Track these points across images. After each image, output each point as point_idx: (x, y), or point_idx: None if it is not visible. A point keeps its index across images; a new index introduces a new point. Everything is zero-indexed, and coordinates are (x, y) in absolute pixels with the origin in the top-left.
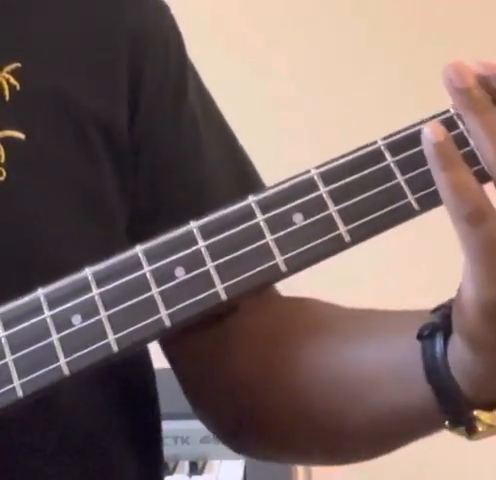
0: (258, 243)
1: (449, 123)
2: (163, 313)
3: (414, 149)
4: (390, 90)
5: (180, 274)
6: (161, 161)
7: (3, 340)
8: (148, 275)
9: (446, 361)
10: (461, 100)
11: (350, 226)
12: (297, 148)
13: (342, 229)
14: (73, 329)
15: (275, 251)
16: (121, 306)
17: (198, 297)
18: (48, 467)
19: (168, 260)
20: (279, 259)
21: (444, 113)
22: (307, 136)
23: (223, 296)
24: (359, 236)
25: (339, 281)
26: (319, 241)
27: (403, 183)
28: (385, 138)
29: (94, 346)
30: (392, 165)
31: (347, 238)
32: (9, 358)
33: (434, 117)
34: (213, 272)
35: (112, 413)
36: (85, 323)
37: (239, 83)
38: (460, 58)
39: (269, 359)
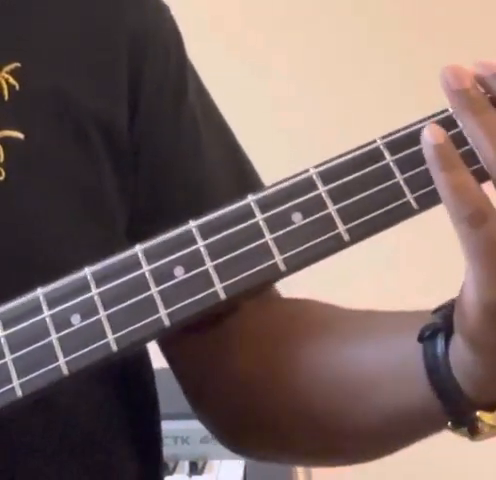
0: (257, 242)
1: (448, 122)
2: (162, 312)
3: (413, 148)
4: (390, 90)
5: (179, 273)
6: (161, 161)
7: (2, 340)
8: (147, 274)
9: (447, 362)
10: (459, 102)
11: (349, 225)
12: (297, 148)
13: (341, 228)
14: (72, 329)
15: (274, 250)
16: (120, 306)
17: (197, 296)
18: (48, 467)
19: (167, 259)
20: (278, 258)
21: (443, 112)
22: (307, 136)
23: (222, 295)
24: (358, 235)
25: (338, 281)
26: (318, 240)
27: (402, 182)
28: (384, 137)
29: (93, 346)
30: (391, 164)
31: (346, 237)
32: (8, 358)
33: (433, 116)
34: (212, 271)
35: (112, 413)
36: (84, 323)
37: (239, 83)
38: (460, 58)
39: (269, 359)
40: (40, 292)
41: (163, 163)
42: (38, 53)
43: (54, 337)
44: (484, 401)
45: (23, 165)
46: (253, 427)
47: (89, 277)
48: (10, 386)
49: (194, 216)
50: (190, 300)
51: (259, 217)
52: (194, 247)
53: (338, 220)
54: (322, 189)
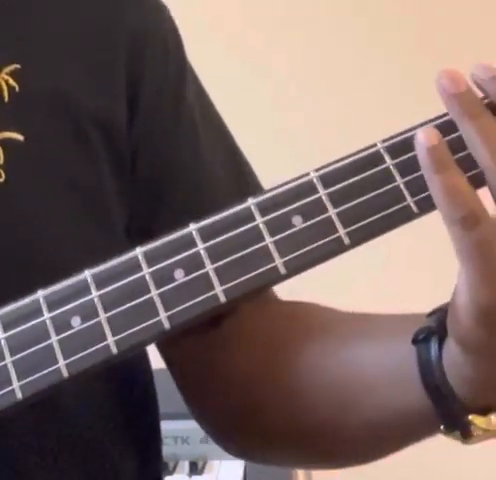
0: (257, 245)
1: (447, 126)
2: (162, 315)
3: (413, 152)
4: (390, 90)
5: (179, 276)
6: (160, 161)
7: (2, 342)
8: (147, 277)
9: (441, 365)
10: (454, 106)
11: (349, 229)
12: (297, 148)
13: (341, 232)
14: (72, 331)
15: (274, 253)
16: (120, 308)
17: (197, 299)
18: (48, 467)
19: (167, 262)
20: (278, 261)
21: (442, 116)
22: (307, 136)
23: (222, 298)
24: (358, 239)
25: (338, 284)
26: (318, 243)
27: (402, 186)
28: (385, 141)
29: (93, 348)
30: (391, 168)
31: (346, 241)
32: (8, 360)
33: (434, 119)
34: (212, 274)
35: (111, 413)
36: (84, 325)
37: (239, 83)
38: (460, 58)
39: (267, 360)
40: (40, 294)
41: (162, 163)
42: (38, 54)
43: (54, 339)
44: (477, 405)
45: (23, 166)
46: (250, 429)
47: (89, 279)
48: (10, 388)
49: (193, 217)
50: (190, 303)
51: (259, 220)
52: (194, 250)
53: (338, 223)
54: (322, 192)
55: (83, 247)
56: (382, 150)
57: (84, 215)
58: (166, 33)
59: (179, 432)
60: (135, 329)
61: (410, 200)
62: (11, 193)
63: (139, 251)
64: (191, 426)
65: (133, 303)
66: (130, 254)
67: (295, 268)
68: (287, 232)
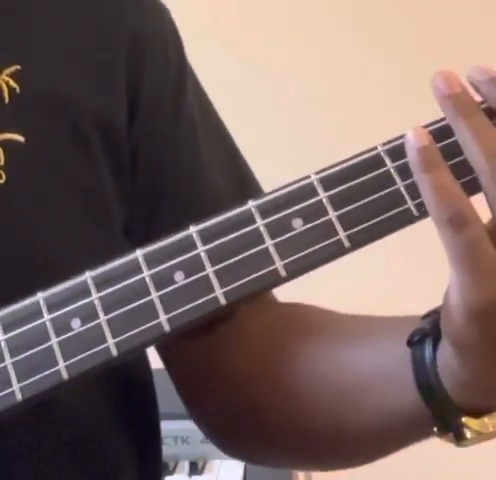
0: (258, 248)
1: (445, 131)
2: (162, 318)
3: None
4: (390, 90)
5: (179, 278)
6: (159, 163)
7: (3, 343)
8: (147, 279)
9: (435, 367)
10: (449, 106)
11: (349, 231)
12: (297, 148)
13: (342, 234)
14: (72, 333)
15: (275, 256)
16: (120, 310)
17: (197, 302)
18: (47, 467)
19: (168, 264)
20: (279, 264)
21: (440, 121)
22: (307, 136)
23: (222, 301)
24: (358, 242)
25: (336, 285)
26: (319, 246)
27: (403, 189)
28: (385, 144)
29: (93, 350)
30: (392, 171)
31: (347, 243)
32: (8, 361)
33: (436, 122)
34: (212, 277)
35: (111, 413)
36: (84, 327)
37: (239, 83)
38: (460, 58)
39: (265, 361)
40: (40, 296)
41: (161, 164)
42: (38, 55)
43: (54, 341)
44: (470, 407)
45: (23, 167)
46: (248, 430)
47: (89, 281)
48: (10, 390)
49: (192, 217)
50: (190, 305)
51: (260, 223)
52: (194, 252)
53: (338, 226)
54: (323, 195)
55: (83, 247)
56: (382, 153)
57: (84, 215)
58: (166, 35)
59: (179, 432)
60: (135, 331)
61: (410, 203)
62: (11, 194)
63: (139, 253)
64: (191, 426)
65: (133, 305)
66: (130, 256)
67: (295, 271)
68: (287, 235)
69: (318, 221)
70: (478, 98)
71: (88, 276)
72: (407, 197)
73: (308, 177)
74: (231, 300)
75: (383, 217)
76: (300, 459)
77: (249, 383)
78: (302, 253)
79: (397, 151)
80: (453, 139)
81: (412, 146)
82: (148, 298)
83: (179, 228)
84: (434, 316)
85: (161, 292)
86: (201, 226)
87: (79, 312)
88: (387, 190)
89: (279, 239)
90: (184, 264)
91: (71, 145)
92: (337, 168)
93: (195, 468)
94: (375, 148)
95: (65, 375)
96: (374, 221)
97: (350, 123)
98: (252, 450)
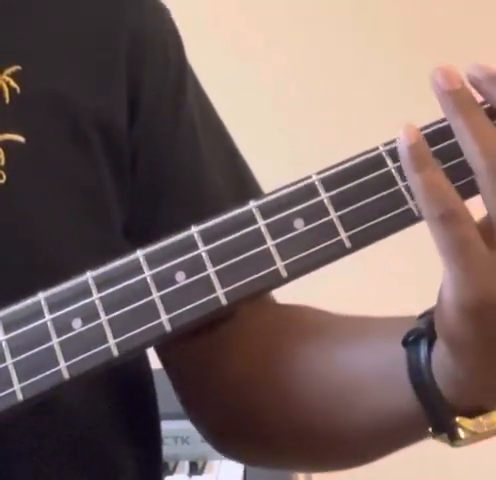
0: (259, 248)
1: (445, 132)
2: (163, 318)
3: None
4: (390, 90)
5: (181, 279)
6: (159, 163)
7: (4, 343)
8: (149, 279)
9: (430, 367)
10: (448, 102)
11: (351, 232)
12: (297, 148)
13: (343, 235)
14: (73, 333)
15: (276, 256)
16: (122, 310)
17: (198, 302)
18: (48, 467)
19: (169, 265)
20: (280, 264)
21: (440, 122)
22: (307, 136)
23: (223, 301)
24: (360, 242)
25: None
26: (320, 247)
27: (404, 189)
28: (386, 144)
29: (94, 350)
30: (393, 171)
31: (348, 244)
32: (9, 361)
33: (436, 123)
34: (214, 277)
35: (111, 413)
36: (85, 327)
37: (239, 83)
38: (460, 58)
39: (263, 362)
40: (41, 296)
41: (161, 165)
42: (38, 55)
43: (55, 341)
44: (465, 407)
45: (24, 168)
46: (246, 430)
47: (90, 281)
48: (11, 390)
49: (192, 218)
50: (191, 305)
51: (261, 223)
52: (196, 252)
53: (340, 227)
54: (324, 196)
55: (83, 247)
56: (384, 153)
57: (84, 215)
58: (166, 35)
59: (179, 432)
60: (136, 331)
61: (412, 203)
62: (12, 194)
63: (140, 253)
64: (191, 426)
65: (134, 305)
66: (131, 256)
67: (296, 271)
68: (288, 235)
69: (319, 221)
70: (479, 98)
71: (89, 276)
72: (408, 197)
73: (309, 177)
74: (232, 300)
75: (384, 217)
76: (298, 460)
77: (247, 384)
78: (303, 253)
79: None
80: (453, 140)
81: (403, 144)
82: (149, 298)
83: (179, 228)
84: (430, 316)
85: (162, 292)
86: (202, 226)
87: (80, 312)
88: (388, 190)
89: (280, 239)
90: (185, 264)
91: (71, 145)
92: (338, 168)
93: (195, 468)
94: (376, 148)
95: (66, 375)
96: (375, 221)
97: (350, 123)
98: (249, 451)
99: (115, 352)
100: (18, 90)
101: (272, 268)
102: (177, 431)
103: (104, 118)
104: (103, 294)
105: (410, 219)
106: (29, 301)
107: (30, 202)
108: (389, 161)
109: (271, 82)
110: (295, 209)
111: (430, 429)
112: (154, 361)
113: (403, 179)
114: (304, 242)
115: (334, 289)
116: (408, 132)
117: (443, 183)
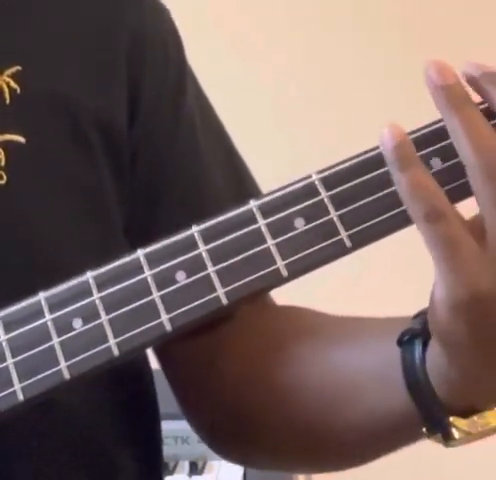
0: (259, 248)
1: (440, 133)
2: (164, 317)
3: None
4: (390, 90)
5: (181, 278)
6: (159, 163)
7: (4, 343)
8: (149, 279)
9: (424, 367)
10: (441, 97)
11: (351, 231)
12: (297, 148)
13: (343, 234)
14: (74, 333)
15: (276, 256)
16: (122, 310)
17: (199, 301)
18: (48, 467)
19: (169, 264)
20: (280, 264)
21: (437, 122)
22: (307, 136)
23: (224, 301)
24: (360, 241)
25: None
26: (320, 246)
27: None
28: None
29: (95, 350)
30: None
31: (348, 243)
32: (10, 361)
33: (436, 122)
34: (214, 276)
35: (112, 413)
36: (86, 327)
37: (239, 83)
38: (460, 58)
39: (259, 362)
40: (42, 296)
41: (161, 165)
42: (38, 55)
43: (56, 341)
44: (459, 407)
45: (24, 168)
46: (243, 432)
47: (91, 281)
48: (11, 390)
49: (192, 218)
50: (192, 305)
51: (261, 222)
52: (196, 252)
53: (340, 226)
54: (324, 195)
55: (83, 247)
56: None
57: (84, 215)
58: (166, 35)
59: (179, 432)
60: (137, 331)
61: None
62: (12, 194)
63: (141, 253)
64: None
65: (135, 305)
66: (132, 256)
67: (297, 271)
68: (289, 234)
69: (320, 221)
70: (476, 98)
71: (89, 276)
72: None
73: (309, 177)
74: (232, 300)
75: (385, 217)
76: (296, 461)
77: (245, 384)
78: (304, 253)
79: None
80: (448, 141)
81: (387, 143)
82: (150, 298)
83: (179, 228)
84: (424, 316)
85: (163, 292)
86: (202, 226)
87: (80, 312)
88: (388, 190)
89: (281, 239)
90: (186, 264)
91: (71, 145)
92: (338, 167)
93: (195, 468)
94: (377, 148)
95: (66, 375)
96: (376, 221)
97: (350, 123)
98: (247, 453)
99: (115, 352)
100: (18, 90)
101: (272, 267)
102: (177, 431)
103: (104, 118)
104: (103, 294)
105: (410, 219)
106: (29, 301)
107: (30, 202)
108: None
109: (271, 82)
110: (295, 208)
111: (424, 429)
112: (154, 361)
113: None
114: (304, 241)
115: (334, 289)
116: (392, 131)
117: (429, 183)
